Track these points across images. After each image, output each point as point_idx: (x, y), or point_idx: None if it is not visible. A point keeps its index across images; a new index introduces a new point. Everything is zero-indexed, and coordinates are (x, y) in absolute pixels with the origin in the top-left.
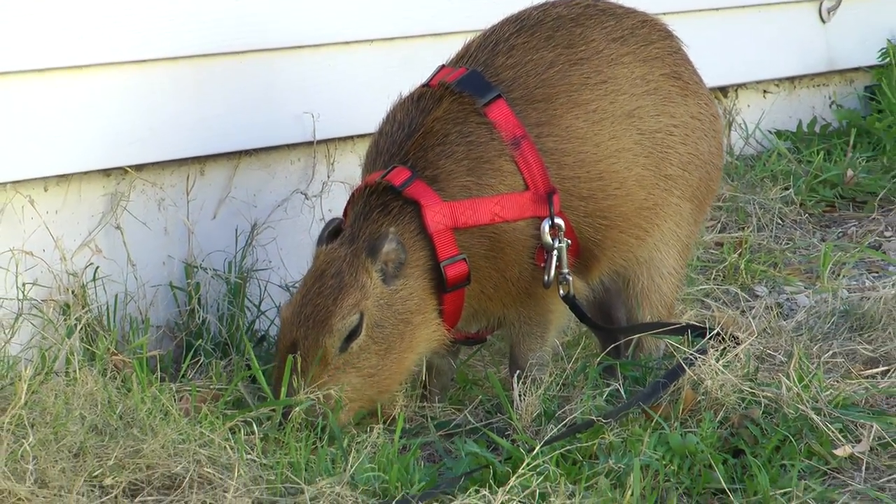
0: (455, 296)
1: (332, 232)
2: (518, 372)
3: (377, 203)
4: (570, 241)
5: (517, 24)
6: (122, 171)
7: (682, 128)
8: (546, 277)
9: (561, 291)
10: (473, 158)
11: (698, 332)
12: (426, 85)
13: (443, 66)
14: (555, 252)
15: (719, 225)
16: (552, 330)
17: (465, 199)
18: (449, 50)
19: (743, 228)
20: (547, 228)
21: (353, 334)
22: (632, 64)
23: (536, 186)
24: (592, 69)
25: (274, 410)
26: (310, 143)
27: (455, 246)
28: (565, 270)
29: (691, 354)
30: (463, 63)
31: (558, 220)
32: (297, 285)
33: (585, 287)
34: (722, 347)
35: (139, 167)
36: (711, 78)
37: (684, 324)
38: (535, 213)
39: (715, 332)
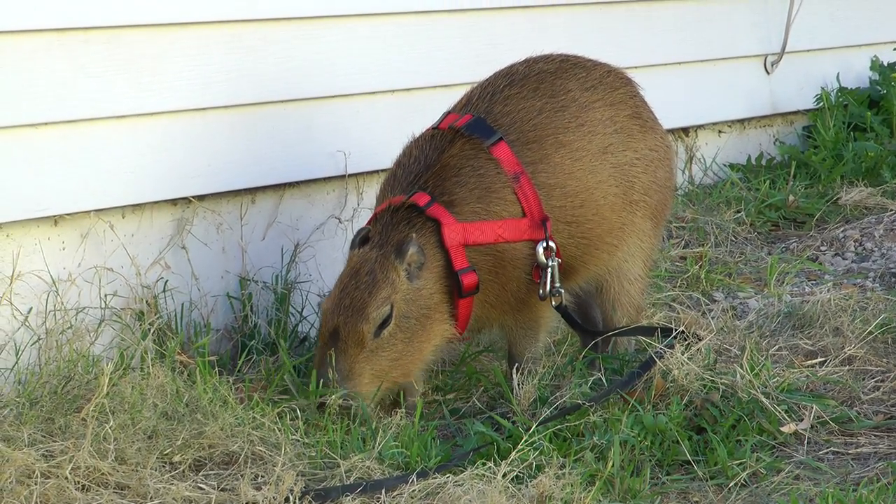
0: (467, 302)
1: (363, 239)
2: (517, 365)
3: (403, 218)
4: (560, 260)
5: (508, 78)
6: (186, 200)
7: (643, 160)
8: (541, 291)
9: (553, 303)
10: (482, 189)
11: (667, 331)
12: (436, 127)
13: (449, 112)
14: (549, 270)
15: (683, 242)
16: (543, 331)
17: (474, 221)
18: (456, 98)
19: (702, 245)
20: (541, 250)
21: (385, 322)
22: (602, 108)
23: (533, 214)
24: (572, 115)
25: (311, 400)
26: (342, 177)
27: (466, 259)
28: (557, 285)
29: (661, 349)
30: (467, 110)
31: (551, 243)
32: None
33: (567, 294)
34: (686, 343)
35: (201, 197)
36: (676, 120)
37: (656, 325)
38: (532, 236)
39: (680, 330)
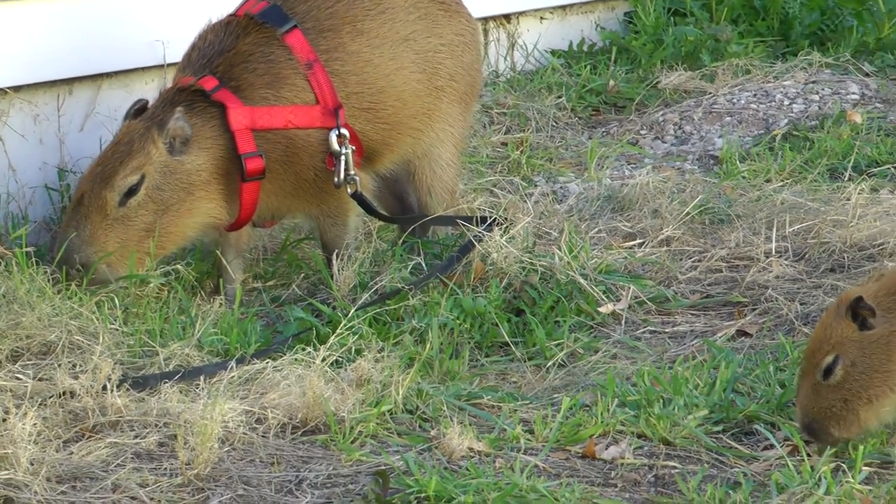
0: (252, 187)
1: (137, 111)
2: (337, 251)
3: (184, 100)
4: (354, 148)
5: None
6: (2, 91)
7: (448, 46)
8: (336, 179)
9: (349, 190)
10: (273, 75)
11: (473, 220)
12: (233, 14)
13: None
14: (342, 157)
15: (504, 128)
16: (351, 218)
17: (263, 106)
18: None
19: (524, 130)
20: (334, 138)
21: (131, 192)
22: None
23: (325, 102)
24: (372, 2)
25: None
26: (161, 66)
27: (254, 144)
28: (352, 172)
29: (480, 233)
30: None
31: (343, 131)
32: None
33: (372, 180)
34: (505, 227)
35: (17, 88)
36: (497, 6)
37: (460, 215)
38: (324, 123)
39: (493, 219)
